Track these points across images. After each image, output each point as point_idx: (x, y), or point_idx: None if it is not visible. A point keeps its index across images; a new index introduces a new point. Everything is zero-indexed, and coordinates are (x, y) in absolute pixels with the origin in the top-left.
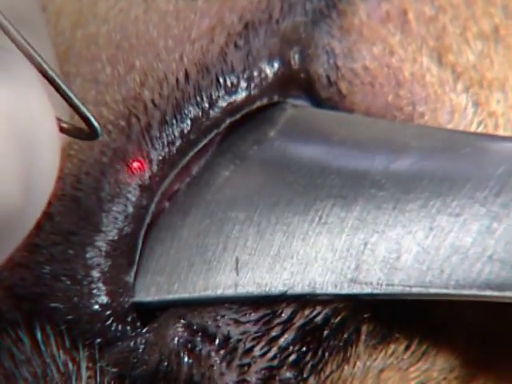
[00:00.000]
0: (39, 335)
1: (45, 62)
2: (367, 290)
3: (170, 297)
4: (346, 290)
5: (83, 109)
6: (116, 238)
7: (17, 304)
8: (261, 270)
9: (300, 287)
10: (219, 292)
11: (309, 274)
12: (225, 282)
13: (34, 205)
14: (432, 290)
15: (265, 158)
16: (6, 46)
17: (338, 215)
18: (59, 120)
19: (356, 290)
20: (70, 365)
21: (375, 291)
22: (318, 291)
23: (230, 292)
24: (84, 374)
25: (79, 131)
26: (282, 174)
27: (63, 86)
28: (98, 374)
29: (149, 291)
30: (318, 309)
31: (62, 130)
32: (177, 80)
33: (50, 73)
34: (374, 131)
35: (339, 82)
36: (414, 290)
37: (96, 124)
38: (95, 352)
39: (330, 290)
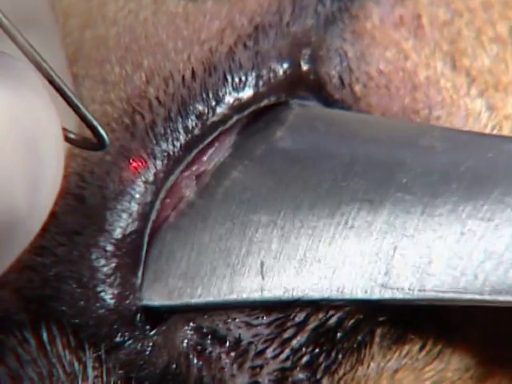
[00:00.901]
0: (45, 336)
1: (52, 70)
2: (399, 295)
3: (194, 301)
4: (377, 296)
5: (91, 118)
6: (120, 236)
7: (24, 306)
8: (287, 274)
9: (329, 292)
10: (245, 296)
11: (337, 279)
12: (250, 286)
13: (38, 211)
14: (466, 296)
15: (275, 158)
16: (13, 53)
17: (364, 219)
18: (66, 130)
19: (387, 295)
20: (77, 365)
21: (407, 297)
22: (348, 296)
23: (255, 296)
24: (90, 373)
25: (86, 141)
26: (301, 176)
27: (71, 95)
28: (104, 374)
29: (171, 295)
30: (332, 312)
31: (68, 140)
32: (183, 78)
33: (58, 82)
34: (396, 132)
35: (353, 84)
36: (447, 295)
37: (104, 134)
38: (102, 353)
39: (360, 295)
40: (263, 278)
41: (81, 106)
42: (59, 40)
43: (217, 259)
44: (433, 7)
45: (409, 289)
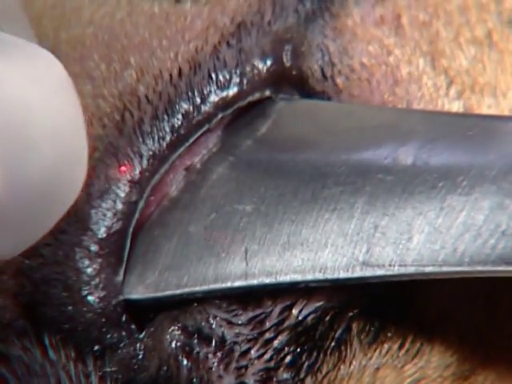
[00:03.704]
0: (47, 342)
1: None
2: (380, 272)
3: (179, 291)
4: (358, 274)
5: None
6: (104, 235)
7: (22, 312)
8: (271, 258)
9: (311, 273)
10: (229, 283)
11: (320, 260)
12: (234, 273)
13: (22, 195)
14: (445, 269)
15: (261, 152)
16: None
17: (346, 201)
18: None
19: (368, 272)
20: (73, 372)
21: (388, 273)
22: (330, 276)
23: (240, 282)
24: (94, 379)
25: None
26: (285, 166)
27: None
28: (102, 380)
29: (158, 287)
30: (307, 309)
31: None
32: (170, 76)
33: None
34: (377, 118)
35: (335, 77)
36: (427, 269)
37: None
38: (97, 359)
39: (342, 274)
40: (247, 264)
41: None
42: (33, 34)
43: (202, 249)
44: (412, 9)
45: (389, 265)
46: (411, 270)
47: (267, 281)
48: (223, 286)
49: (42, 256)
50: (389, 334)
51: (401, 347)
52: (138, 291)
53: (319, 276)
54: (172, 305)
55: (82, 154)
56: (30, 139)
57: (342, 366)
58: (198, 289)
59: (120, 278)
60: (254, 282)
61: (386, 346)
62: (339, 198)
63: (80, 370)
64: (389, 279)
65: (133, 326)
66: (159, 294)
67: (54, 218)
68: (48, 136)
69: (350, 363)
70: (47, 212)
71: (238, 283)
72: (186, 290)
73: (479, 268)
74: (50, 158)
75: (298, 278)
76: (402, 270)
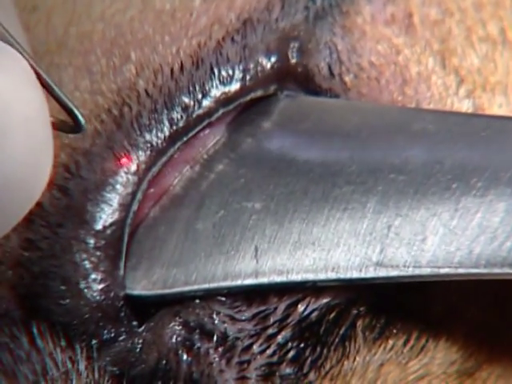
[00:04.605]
0: (38, 334)
1: (27, 53)
2: (394, 272)
3: (188, 288)
4: (371, 274)
5: (67, 101)
6: (101, 228)
7: (21, 303)
8: (281, 257)
9: (324, 273)
10: (239, 281)
11: (332, 260)
12: (245, 271)
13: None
14: (461, 270)
15: (267, 149)
16: None
17: (358, 201)
18: None
19: (382, 273)
20: (69, 363)
21: (402, 273)
22: (342, 276)
23: (250, 281)
24: (83, 372)
25: (63, 124)
26: (294, 163)
27: (46, 78)
28: (96, 372)
29: (166, 283)
30: (312, 306)
31: None
32: (171, 71)
33: (33, 64)
34: (388, 117)
35: (343, 75)
36: (443, 270)
37: (80, 117)
38: (93, 352)
39: (355, 274)
40: (257, 263)
41: (57, 88)
42: (17, 18)
43: (211, 246)
44: (424, 6)
45: (404, 266)
46: (426, 271)
47: (278, 279)
48: (233, 283)
49: (40, 249)
50: (394, 330)
51: (406, 343)
52: (143, 287)
53: (332, 275)
54: (174, 300)
55: (48, 147)
56: (7, 126)
57: (345, 362)
58: (206, 286)
59: (120, 271)
60: (265, 280)
61: (390, 341)
62: (350, 197)
63: (69, 359)
64: (403, 280)
65: (132, 320)
66: (167, 291)
67: (23, 207)
68: (21, 125)
69: (354, 359)
70: (15, 201)
71: (248, 281)
72: (195, 287)
73: (496, 270)
74: (21, 147)
75: (310, 277)
76: (417, 272)
